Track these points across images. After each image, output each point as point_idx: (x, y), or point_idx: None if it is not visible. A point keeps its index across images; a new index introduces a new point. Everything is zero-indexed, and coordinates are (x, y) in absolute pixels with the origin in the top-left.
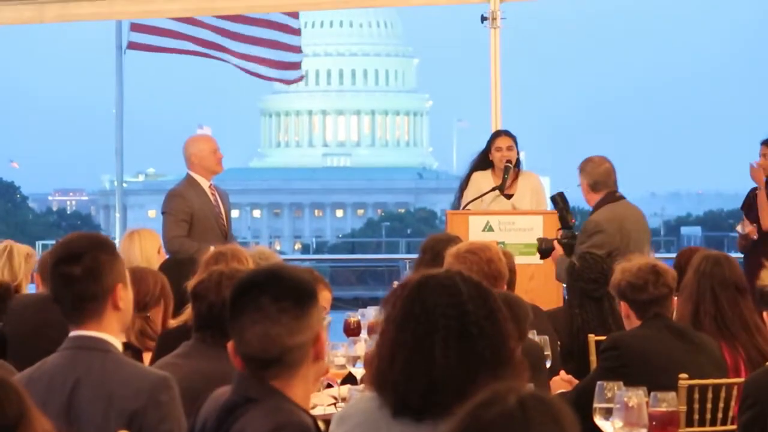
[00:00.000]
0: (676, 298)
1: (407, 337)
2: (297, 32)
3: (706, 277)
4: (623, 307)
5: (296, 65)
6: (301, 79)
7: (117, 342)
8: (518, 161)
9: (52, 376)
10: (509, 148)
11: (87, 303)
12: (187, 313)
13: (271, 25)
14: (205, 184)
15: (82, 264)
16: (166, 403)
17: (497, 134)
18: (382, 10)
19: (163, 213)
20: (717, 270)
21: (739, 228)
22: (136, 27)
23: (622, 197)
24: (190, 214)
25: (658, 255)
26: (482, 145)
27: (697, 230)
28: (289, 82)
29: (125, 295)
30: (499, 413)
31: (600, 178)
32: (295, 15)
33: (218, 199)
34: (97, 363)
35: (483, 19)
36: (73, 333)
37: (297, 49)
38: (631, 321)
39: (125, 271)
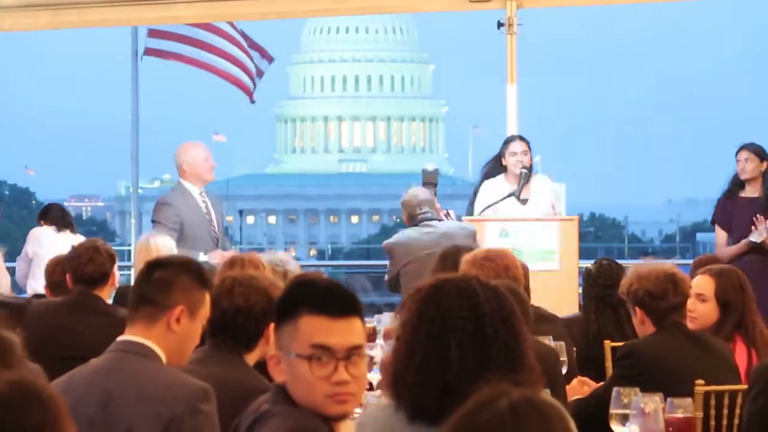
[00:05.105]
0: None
1: (422, 338)
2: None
3: None
4: (638, 314)
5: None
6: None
7: (161, 353)
8: (532, 166)
9: (92, 376)
10: (524, 153)
11: (142, 306)
12: None
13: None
14: (195, 191)
15: (161, 271)
16: (205, 413)
17: (511, 139)
18: (397, 16)
19: (152, 222)
20: None
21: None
22: (153, 33)
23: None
24: (180, 222)
25: (673, 261)
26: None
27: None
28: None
29: (185, 323)
30: (490, 418)
31: (411, 210)
32: (269, 58)
33: (209, 206)
34: (139, 366)
35: (499, 25)
36: (120, 338)
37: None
38: (645, 328)
39: (201, 304)
